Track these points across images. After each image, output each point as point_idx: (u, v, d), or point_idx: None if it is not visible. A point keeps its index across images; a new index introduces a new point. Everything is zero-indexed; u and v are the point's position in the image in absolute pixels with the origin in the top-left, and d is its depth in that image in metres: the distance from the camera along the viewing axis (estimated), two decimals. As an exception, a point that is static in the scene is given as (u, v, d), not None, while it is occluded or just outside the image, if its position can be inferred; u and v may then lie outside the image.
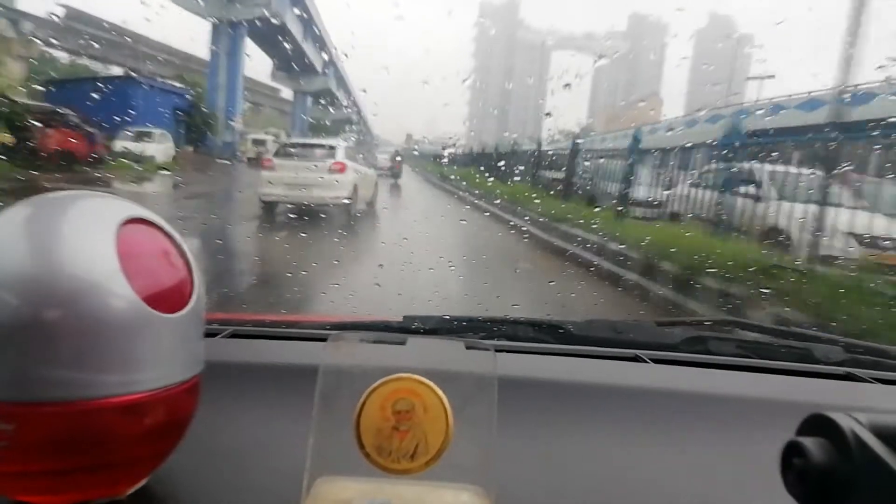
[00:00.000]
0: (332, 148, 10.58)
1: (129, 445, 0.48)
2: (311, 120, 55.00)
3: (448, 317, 1.05)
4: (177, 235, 0.54)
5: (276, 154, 10.70)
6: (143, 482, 0.53)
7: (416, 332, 0.99)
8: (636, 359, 0.94)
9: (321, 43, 42.48)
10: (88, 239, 0.47)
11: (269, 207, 9.58)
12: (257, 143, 27.48)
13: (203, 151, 25.29)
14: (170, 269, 0.52)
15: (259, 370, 0.81)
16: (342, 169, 10.01)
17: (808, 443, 0.36)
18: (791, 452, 0.37)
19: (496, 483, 0.50)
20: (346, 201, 9.84)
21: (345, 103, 59.42)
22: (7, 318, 0.43)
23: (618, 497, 0.61)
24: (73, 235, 0.47)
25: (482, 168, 17.96)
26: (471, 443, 0.51)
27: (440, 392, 0.50)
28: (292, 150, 10.86)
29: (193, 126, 26.37)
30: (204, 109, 27.12)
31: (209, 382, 0.55)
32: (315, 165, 9.96)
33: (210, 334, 0.88)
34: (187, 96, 26.36)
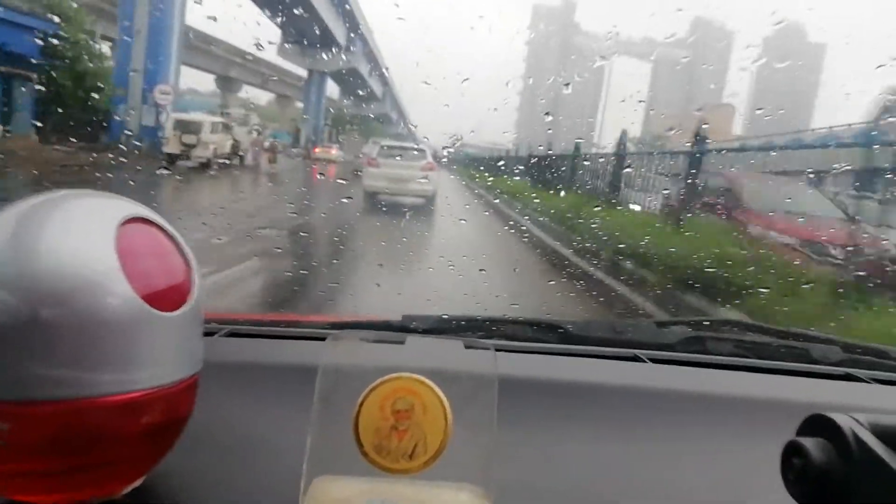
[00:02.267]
0: (422, 151, 13.87)
1: (127, 444, 0.48)
2: (331, 111, 45.30)
3: (447, 316, 1.05)
4: (177, 234, 0.54)
5: (379, 154, 13.51)
6: (140, 481, 0.52)
7: (415, 331, 0.99)
8: (635, 359, 0.94)
9: (343, 4, 32.30)
10: (88, 237, 0.47)
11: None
12: (184, 127, 15.16)
13: (82, 140, 13.35)
14: (169, 268, 0.52)
15: (258, 369, 0.81)
16: (432, 168, 13.10)
17: (808, 443, 0.36)
18: (791, 452, 0.37)
19: (495, 482, 0.50)
20: (432, 193, 12.96)
21: (378, 92, 49.94)
22: (5, 316, 0.43)
23: (616, 496, 0.61)
24: (72, 234, 0.46)
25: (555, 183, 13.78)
26: (470, 442, 0.50)
27: (439, 391, 0.50)
28: (391, 151, 13.92)
29: (53, 91, 14.03)
30: (78, 62, 14.82)
31: (207, 381, 0.55)
32: (411, 164, 12.96)
33: (208, 333, 0.88)
34: (47, 33, 13.96)
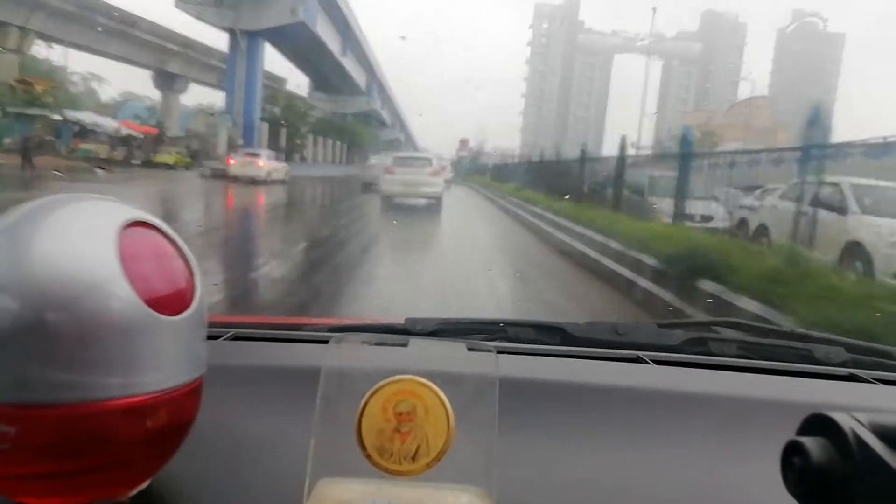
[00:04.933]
0: (428, 158, 17.62)
1: (131, 448, 0.48)
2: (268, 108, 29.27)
3: (451, 319, 1.05)
4: (178, 238, 0.54)
5: (393, 163, 17.09)
6: (145, 484, 0.53)
7: (418, 333, 0.99)
8: (637, 360, 0.94)
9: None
10: (90, 242, 0.47)
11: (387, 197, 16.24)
12: None
13: None
14: (171, 272, 0.52)
15: (261, 372, 0.82)
16: (438, 173, 16.91)
17: (809, 442, 0.36)
18: (791, 452, 0.37)
19: (497, 484, 0.50)
20: (440, 194, 16.57)
21: (360, 81, 35.40)
22: (8, 320, 0.43)
23: (619, 497, 0.61)
24: (74, 238, 0.47)
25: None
26: (472, 444, 0.51)
27: (441, 394, 0.50)
28: (403, 161, 17.45)
29: None
30: None
31: (211, 385, 0.56)
32: (420, 170, 16.41)
33: (212, 337, 0.89)
34: None
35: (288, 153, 31.07)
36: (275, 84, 34.51)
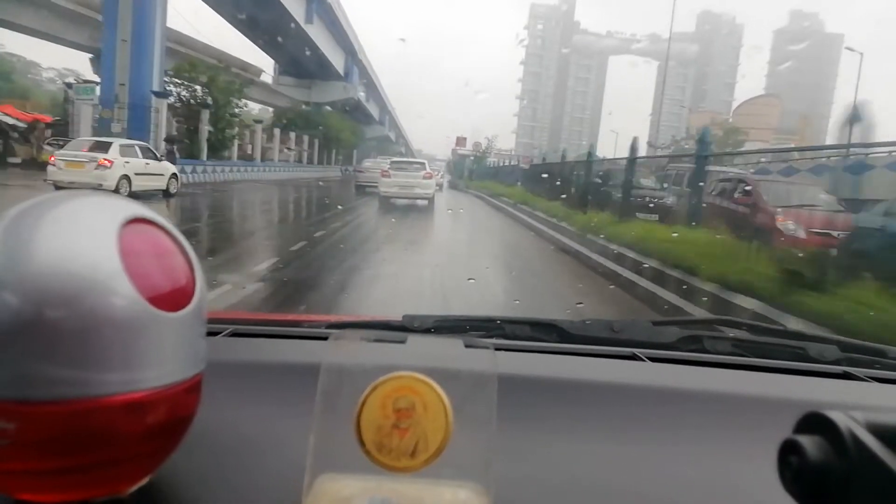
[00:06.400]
0: (422, 163, 19.54)
1: (132, 443, 0.49)
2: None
3: (448, 316, 1.06)
4: (179, 235, 0.54)
5: (390, 167, 18.78)
6: (145, 480, 0.53)
7: (416, 330, 1.00)
8: (633, 357, 0.95)
9: None
10: (91, 238, 0.47)
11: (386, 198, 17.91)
12: None
13: None
14: (172, 269, 0.52)
15: (260, 369, 0.82)
16: (431, 176, 18.72)
17: (805, 441, 0.36)
18: (788, 451, 0.37)
19: (495, 480, 0.51)
20: (433, 195, 18.48)
21: (338, 63, 27.59)
22: (9, 316, 0.43)
23: (615, 493, 0.61)
24: (75, 234, 0.47)
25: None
26: (470, 440, 0.51)
27: (440, 390, 0.50)
28: (399, 165, 19.32)
29: None
30: None
31: (211, 381, 0.56)
32: (415, 174, 18.28)
33: (211, 333, 0.89)
34: None
35: (214, 148, 23.10)
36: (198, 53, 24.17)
